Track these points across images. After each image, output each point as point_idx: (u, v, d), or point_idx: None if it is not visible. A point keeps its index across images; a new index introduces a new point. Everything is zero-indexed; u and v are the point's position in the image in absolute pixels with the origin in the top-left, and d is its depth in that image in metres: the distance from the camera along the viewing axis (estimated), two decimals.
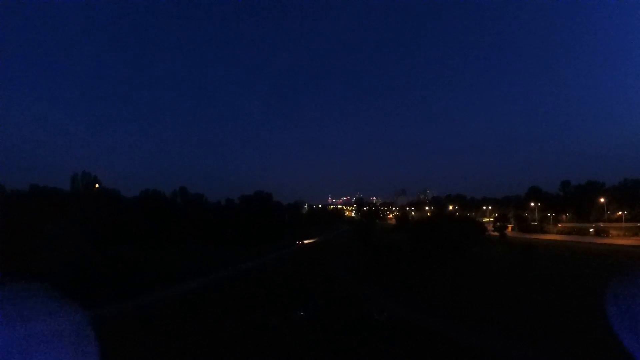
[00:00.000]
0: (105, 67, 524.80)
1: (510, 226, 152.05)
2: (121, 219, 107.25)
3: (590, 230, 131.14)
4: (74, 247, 54.36)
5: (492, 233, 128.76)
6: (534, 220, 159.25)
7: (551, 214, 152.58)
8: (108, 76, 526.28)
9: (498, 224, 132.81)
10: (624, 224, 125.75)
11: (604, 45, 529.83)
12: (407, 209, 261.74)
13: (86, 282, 48.58)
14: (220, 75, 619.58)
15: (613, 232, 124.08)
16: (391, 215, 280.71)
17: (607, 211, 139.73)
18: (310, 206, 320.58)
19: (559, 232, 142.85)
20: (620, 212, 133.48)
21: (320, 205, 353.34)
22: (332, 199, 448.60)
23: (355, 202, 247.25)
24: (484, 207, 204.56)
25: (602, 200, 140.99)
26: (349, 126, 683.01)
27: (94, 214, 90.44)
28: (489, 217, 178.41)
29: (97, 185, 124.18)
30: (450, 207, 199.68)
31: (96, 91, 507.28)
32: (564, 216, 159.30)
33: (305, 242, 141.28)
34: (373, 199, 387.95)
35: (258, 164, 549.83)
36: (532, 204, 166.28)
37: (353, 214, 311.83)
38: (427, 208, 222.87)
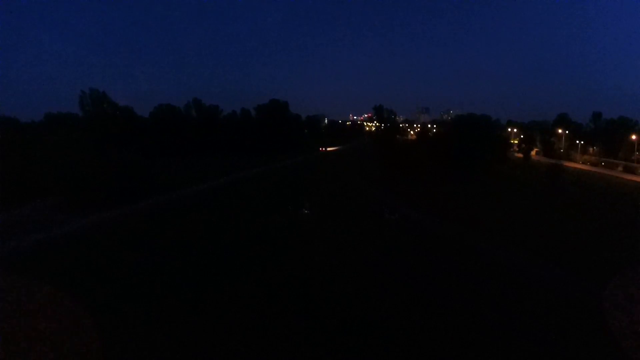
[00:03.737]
0: None
1: (535, 150, 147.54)
2: (135, 135, 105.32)
3: (619, 168, 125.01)
4: (87, 163, 53.79)
5: (517, 155, 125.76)
6: (561, 148, 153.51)
7: (579, 142, 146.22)
8: None
9: (523, 145, 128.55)
10: None
11: None
12: (429, 126, 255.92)
13: (98, 193, 49.85)
14: None
15: None
16: (412, 133, 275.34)
17: (637, 151, 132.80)
18: (330, 121, 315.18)
19: (585, 162, 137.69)
20: None
21: (340, 121, 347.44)
22: (353, 115, 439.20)
23: (375, 111, 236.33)
24: (509, 130, 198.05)
25: (633, 137, 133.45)
26: (373, 42, 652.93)
27: (105, 131, 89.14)
28: (514, 140, 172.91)
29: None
30: None
31: (106, 14, 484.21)
32: (591, 149, 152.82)
33: (328, 149, 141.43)
34: (396, 117, 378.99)
35: (276, 77, 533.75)
36: (560, 131, 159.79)
37: (374, 129, 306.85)
38: (446, 133, 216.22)
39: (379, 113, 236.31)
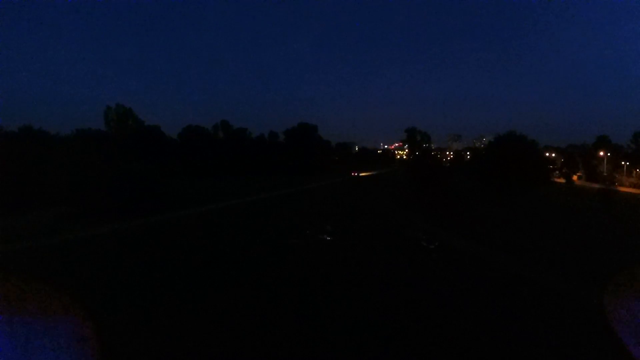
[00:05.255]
0: (142, 6, 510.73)
1: (577, 175, 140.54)
2: (163, 154, 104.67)
3: None
4: (93, 173, 52.33)
5: (557, 179, 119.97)
6: (604, 171, 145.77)
7: (625, 163, 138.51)
8: (145, 16, 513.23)
9: (564, 169, 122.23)
10: None
11: None
12: (463, 153, 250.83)
13: (103, 203, 48.21)
14: (266, 5, 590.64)
15: None
16: (446, 160, 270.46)
17: None
18: (361, 148, 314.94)
19: (633, 185, 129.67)
20: None
21: (371, 149, 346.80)
22: (384, 144, 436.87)
23: (408, 134, 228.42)
24: (547, 155, 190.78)
25: None
26: (403, 70, 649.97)
27: (126, 145, 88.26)
28: (552, 166, 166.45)
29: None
30: None
31: (135, 34, 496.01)
32: (634, 170, 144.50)
33: (361, 174, 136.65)
34: (430, 141, 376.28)
35: (306, 104, 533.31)
36: (602, 154, 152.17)
37: (405, 157, 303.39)
38: (483, 153, 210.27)
39: (412, 136, 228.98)
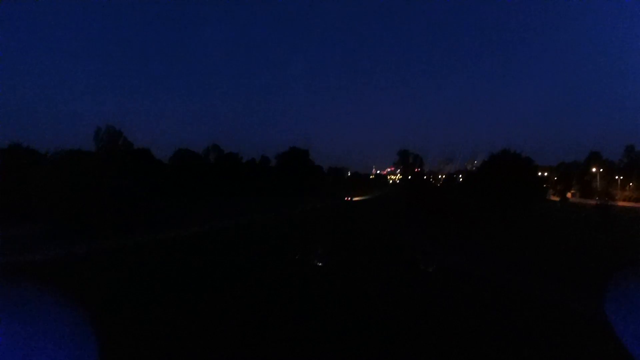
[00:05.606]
0: (132, 26, 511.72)
1: (571, 192, 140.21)
2: (152, 176, 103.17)
3: None
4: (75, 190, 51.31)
5: (552, 197, 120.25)
6: (597, 187, 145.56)
7: (619, 178, 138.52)
8: (137, 37, 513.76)
9: (558, 187, 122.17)
10: None
11: None
12: (455, 176, 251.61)
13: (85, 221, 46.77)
14: (258, 28, 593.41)
15: None
16: (438, 184, 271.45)
17: None
18: (353, 173, 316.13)
19: (627, 199, 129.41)
20: None
21: (364, 174, 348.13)
22: (377, 169, 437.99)
23: (400, 156, 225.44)
24: (539, 174, 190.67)
25: None
26: (395, 94, 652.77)
27: (121, 169, 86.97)
28: (545, 184, 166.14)
29: None
30: None
31: (125, 57, 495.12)
32: (629, 185, 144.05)
33: (354, 199, 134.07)
34: (422, 162, 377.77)
35: (298, 127, 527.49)
36: (594, 170, 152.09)
37: (397, 181, 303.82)
38: (477, 173, 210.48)
39: (405, 158, 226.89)
